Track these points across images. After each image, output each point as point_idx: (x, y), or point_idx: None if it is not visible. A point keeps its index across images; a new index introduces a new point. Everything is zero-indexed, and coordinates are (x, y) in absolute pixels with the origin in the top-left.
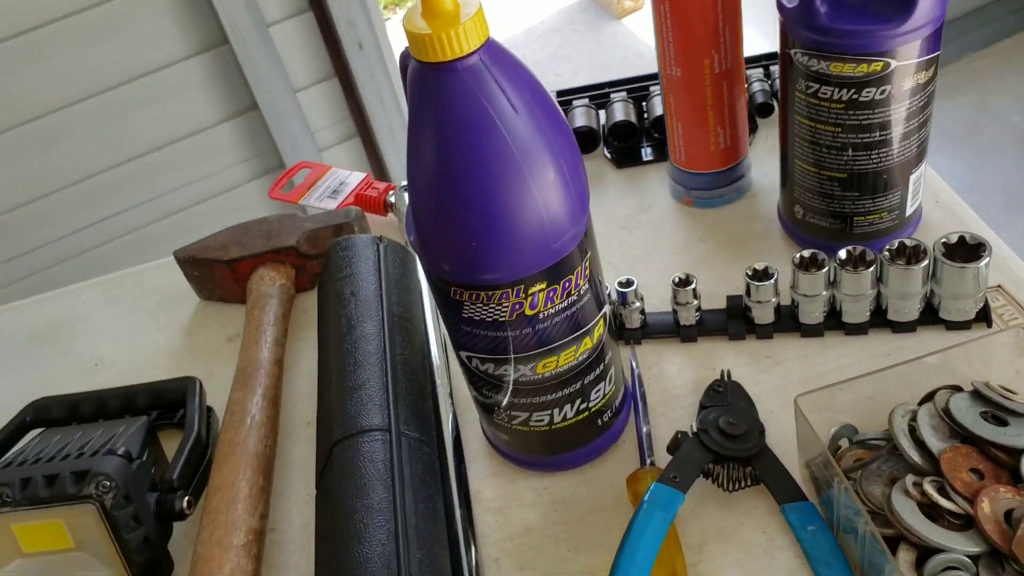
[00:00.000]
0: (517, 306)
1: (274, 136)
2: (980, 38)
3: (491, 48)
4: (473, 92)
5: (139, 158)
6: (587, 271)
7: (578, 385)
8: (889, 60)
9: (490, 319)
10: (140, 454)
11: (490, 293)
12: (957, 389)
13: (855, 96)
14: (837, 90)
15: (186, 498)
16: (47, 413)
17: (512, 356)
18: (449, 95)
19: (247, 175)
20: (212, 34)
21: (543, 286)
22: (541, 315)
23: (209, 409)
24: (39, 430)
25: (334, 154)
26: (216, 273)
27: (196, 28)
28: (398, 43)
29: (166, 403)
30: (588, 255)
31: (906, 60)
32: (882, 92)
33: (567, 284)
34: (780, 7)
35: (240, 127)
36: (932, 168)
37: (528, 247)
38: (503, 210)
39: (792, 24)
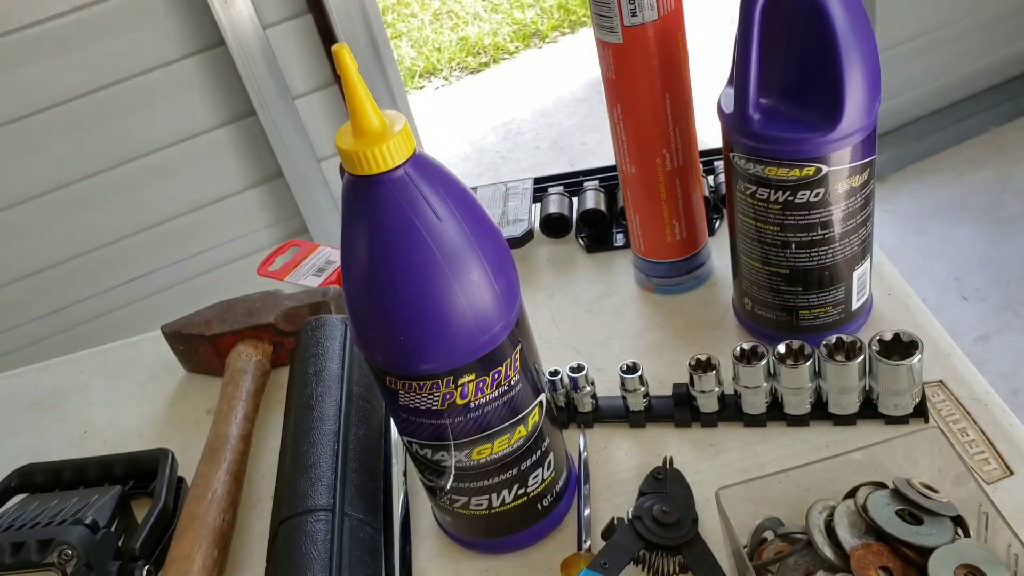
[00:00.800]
0: (448, 395)
1: (298, 203)
2: (1004, 112)
3: (417, 161)
4: (398, 202)
5: (167, 222)
6: (518, 362)
7: (515, 471)
8: (821, 165)
9: (424, 407)
10: (109, 523)
11: (422, 383)
12: (882, 486)
13: (791, 198)
14: (774, 192)
15: (147, 567)
16: (31, 479)
17: (449, 443)
18: (377, 204)
19: (271, 240)
20: (241, 105)
21: (472, 377)
22: (472, 404)
23: (180, 479)
24: (22, 496)
25: None
26: (199, 348)
27: (225, 99)
28: (422, 116)
29: (140, 472)
30: (519, 347)
31: (838, 165)
32: (816, 195)
33: (497, 375)
34: (720, 112)
35: (266, 194)
36: (951, 241)
37: (455, 341)
38: (429, 308)
39: (730, 129)
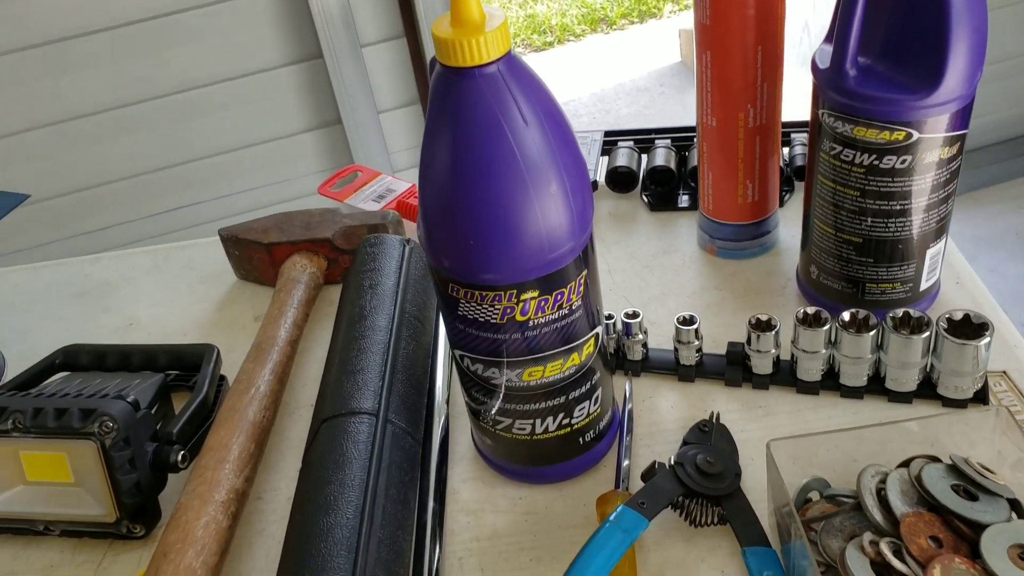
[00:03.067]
0: (509, 310)
1: (352, 151)
2: None
3: (510, 61)
4: (488, 99)
5: (222, 154)
6: (581, 288)
7: (562, 399)
8: (912, 131)
9: (482, 319)
10: (149, 406)
11: (484, 294)
12: (935, 460)
13: (876, 162)
14: (859, 154)
15: (182, 452)
16: (75, 358)
17: (502, 360)
18: (465, 100)
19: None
20: (309, 47)
21: (535, 294)
22: (531, 322)
23: (222, 378)
24: (65, 373)
25: (406, 176)
26: (254, 255)
27: (294, 40)
28: None
29: (184, 365)
30: (584, 273)
31: (930, 133)
32: (903, 161)
33: (559, 296)
34: (814, 68)
35: (322, 138)
36: (1001, 273)
37: (524, 254)
38: (503, 214)
39: (822, 85)
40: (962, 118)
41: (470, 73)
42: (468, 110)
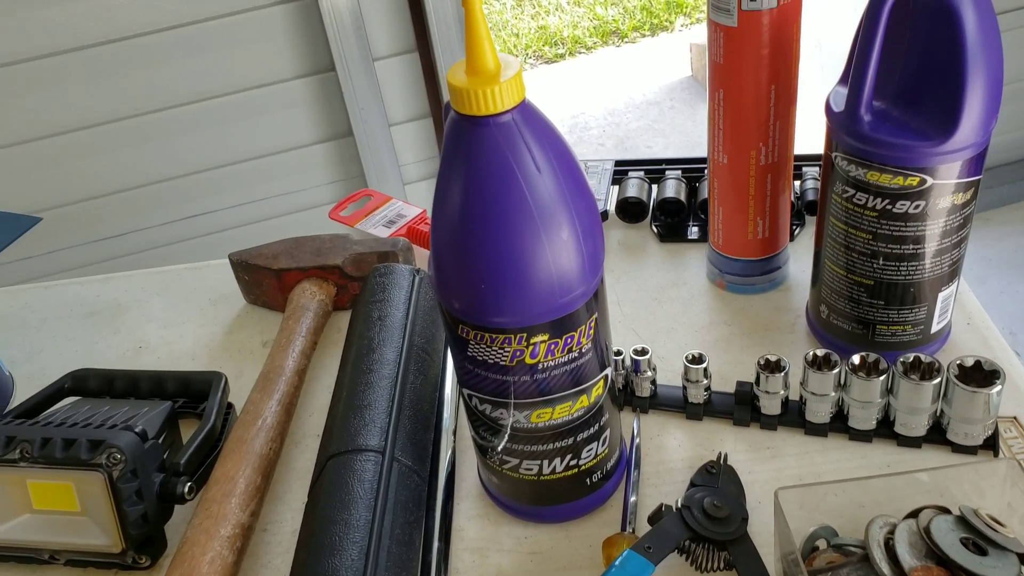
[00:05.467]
0: (519, 352)
1: (363, 164)
2: None
3: (524, 109)
4: (501, 148)
5: (233, 165)
6: (591, 331)
7: (570, 440)
8: (926, 177)
9: (492, 361)
10: (156, 435)
11: (494, 336)
12: (944, 511)
13: (889, 207)
14: (873, 198)
15: (188, 484)
16: (84, 383)
17: (509, 401)
18: (479, 147)
19: (331, 197)
20: (321, 60)
21: (545, 337)
22: (541, 365)
23: (230, 406)
24: (74, 398)
25: (416, 189)
26: (264, 280)
27: (307, 52)
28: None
29: (192, 393)
30: (594, 316)
31: (944, 179)
32: (916, 207)
33: (569, 340)
34: (827, 110)
35: (332, 151)
36: (1010, 295)
37: (535, 298)
38: (514, 260)
39: (836, 128)
40: (976, 164)
41: (484, 122)
42: (482, 158)
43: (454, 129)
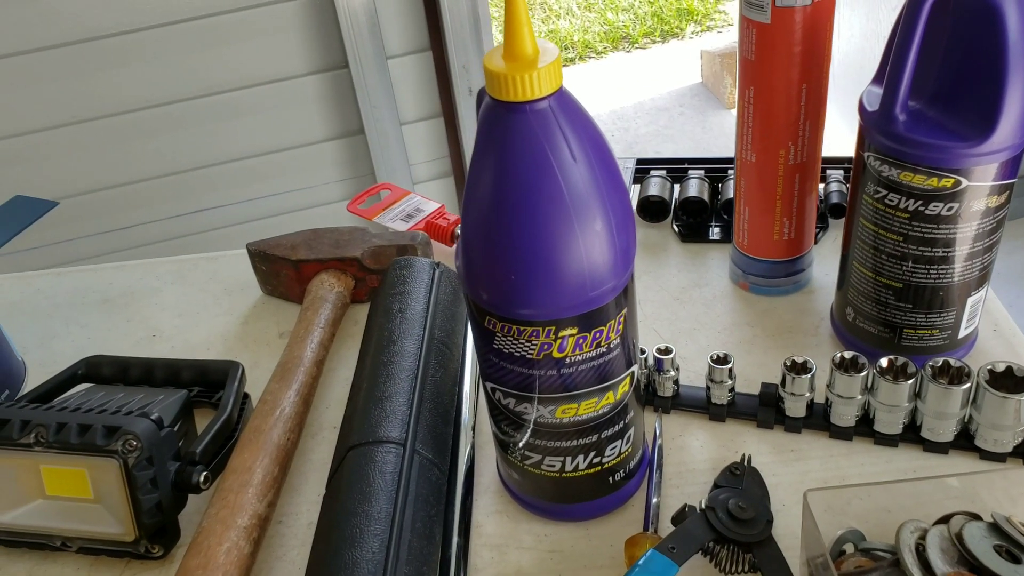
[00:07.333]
0: (546, 346)
1: (374, 162)
2: None
3: (562, 97)
4: (537, 135)
5: (244, 159)
6: (620, 327)
7: (594, 437)
8: (960, 178)
9: (518, 354)
10: (172, 424)
11: (522, 328)
12: (975, 517)
13: (921, 208)
14: (905, 199)
15: (204, 473)
16: (98, 370)
17: (534, 396)
18: (515, 134)
19: (341, 194)
20: (335, 57)
21: (574, 331)
22: (568, 360)
23: (246, 395)
24: (88, 384)
25: (426, 188)
26: (281, 271)
27: (321, 49)
28: None
29: (208, 382)
30: (624, 311)
31: (978, 181)
32: (949, 209)
33: (598, 335)
34: (861, 109)
35: (344, 148)
36: (1019, 308)
37: (565, 290)
38: (546, 251)
39: (869, 127)
40: (1012, 167)
41: (521, 108)
42: (517, 145)
43: (489, 115)
